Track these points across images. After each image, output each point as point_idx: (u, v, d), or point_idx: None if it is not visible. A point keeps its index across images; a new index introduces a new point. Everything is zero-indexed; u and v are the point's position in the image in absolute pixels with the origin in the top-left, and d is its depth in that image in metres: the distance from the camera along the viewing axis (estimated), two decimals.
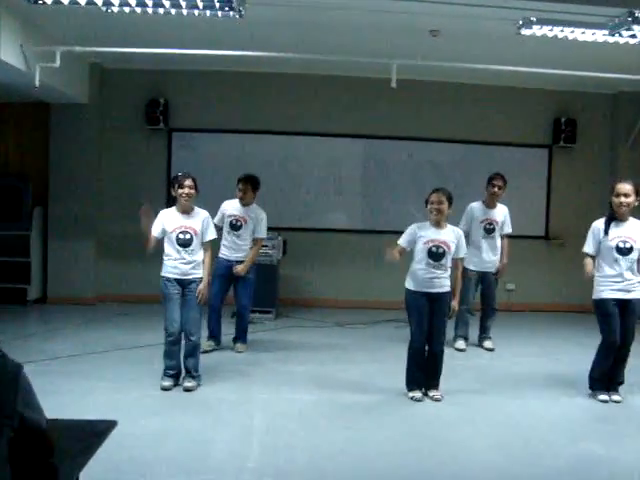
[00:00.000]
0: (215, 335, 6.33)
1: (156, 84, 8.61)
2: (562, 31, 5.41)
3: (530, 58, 6.78)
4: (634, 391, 5.30)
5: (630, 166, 9.01)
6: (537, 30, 5.38)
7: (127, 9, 4.97)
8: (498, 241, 6.67)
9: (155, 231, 5.02)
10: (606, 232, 4.94)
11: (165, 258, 5.04)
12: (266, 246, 7.79)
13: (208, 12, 5.02)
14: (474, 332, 6.83)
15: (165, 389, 4.94)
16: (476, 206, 6.69)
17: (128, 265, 8.22)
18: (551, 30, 5.40)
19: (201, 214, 5.16)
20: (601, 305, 4.97)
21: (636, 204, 4.94)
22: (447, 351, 5.80)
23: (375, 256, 8.45)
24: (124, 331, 6.86)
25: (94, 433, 2.43)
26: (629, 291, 4.93)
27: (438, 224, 4.95)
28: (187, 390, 4.97)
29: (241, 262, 6.21)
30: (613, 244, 4.92)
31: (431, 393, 5.00)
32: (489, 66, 6.81)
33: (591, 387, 5.11)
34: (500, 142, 8.99)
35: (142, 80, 8.60)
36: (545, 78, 7.86)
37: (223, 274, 6.20)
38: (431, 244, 4.88)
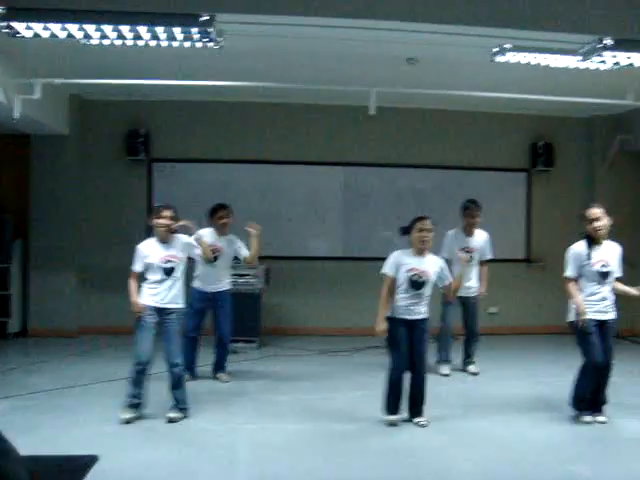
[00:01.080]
0: (191, 368, 6.22)
1: (136, 115, 8.63)
2: (535, 57, 5.52)
3: (506, 84, 6.89)
4: (618, 411, 5.33)
5: (608, 188, 9.16)
6: (511, 57, 5.48)
7: (106, 41, 5.00)
8: (476, 268, 6.69)
9: (135, 265, 5.03)
10: (589, 257, 5.00)
11: (146, 286, 5.02)
12: (248, 275, 7.79)
13: (187, 43, 5.05)
14: (458, 357, 6.82)
15: (127, 421, 4.84)
16: (455, 234, 6.71)
17: (109, 297, 8.14)
18: (525, 57, 5.50)
19: (182, 241, 5.15)
20: (581, 326, 5.00)
21: (609, 224, 5.04)
22: (431, 377, 5.80)
23: (357, 282, 8.51)
24: (106, 363, 6.78)
25: (75, 469, 2.40)
26: (607, 312, 5.04)
27: (422, 252, 4.97)
28: (171, 421, 4.91)
29: (219, 292, 6.19)
30: (596, 268, 4.99)
31: (416, 419, 4.99)
32: (466, 92, 6.91)
33: (577, 408, 5.12)
34: (479, 167, 9.10)
35: (122, 111, 8.62)
36: (521, 103, 7.99)
37: (199, 307, 6.16)
38: (413, 273, 4.90)
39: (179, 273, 5.06)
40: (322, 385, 6.23)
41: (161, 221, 5.01)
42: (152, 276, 5.01)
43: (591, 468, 4.13)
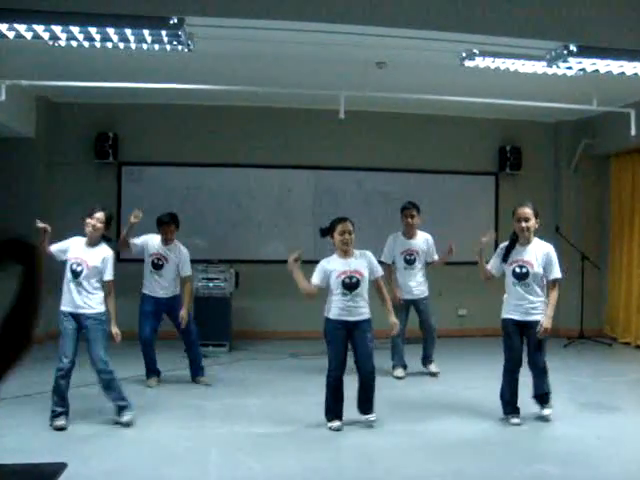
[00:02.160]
0: (154, 369, 6.24)
1: (105, 118, 8.55)
2: (504, 62, 5.60)
3: (474, 88, 6.97)
4: (585, 410, 5.42)
5: (573, 190, 9.34)
6: (480, 62, 5.55)
7: (74, 43, 4.94)
8: (420, 270, 6.68)
9: (54, 248, 5.05)
10: (505, 259, 5.07)
11: (63, 289, 4.99)
12: (218, 279, 7.77)
13: (157, 46, 5.02)
14: (412, 360, 6.82)
15: (60, 428, 4.77)
16: (394, 237, 6.74)
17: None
18: (493, 61, 5.57)
19: (104, 251, 5.05)
20: (503, 325, 5.11)
21: (536, 226, 5.05)
22: (387, 380, 5.85)
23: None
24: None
25: (43, 476, 2.37)
26: (529, 313, 5.01)
27: (346, 253, 4.99)
28: (127, 424, 4.86)
29: (169, 298, 6.19)
30: (510, 269, 5.05)
31: (365, 416, 5.00)
32: (435, 97, 6.96)
33: (504, 412, 5.16)
34: (448, 170, 9.19)
35: (91, 114, 8.53)
36: (490, 108, 8.11)
37: (151, 310, 6.14)
38: (343, 276, 4.92)
39: (85, 279, 4.94)
40: (292, 388, 6.23)
41: (91, 221, 4.95)
42: (66, 278, 4.99)
43: (558, 466, 4.19)
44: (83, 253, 4.98)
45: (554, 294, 5.04)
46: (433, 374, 6.71)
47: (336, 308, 4.95)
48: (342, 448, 4.57)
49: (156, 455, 4.35)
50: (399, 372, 6.69)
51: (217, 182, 8.84)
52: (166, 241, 6.20)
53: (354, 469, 4.21)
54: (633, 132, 6.89)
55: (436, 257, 6.75)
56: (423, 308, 6.72)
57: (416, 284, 6.65)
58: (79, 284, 4.94)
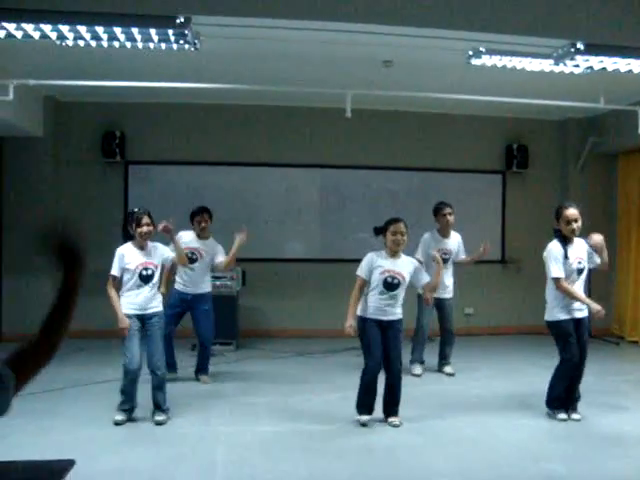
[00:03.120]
0: (171, 364, 6.24)
1: (112, 117, 8.57)
2: (510, 61, 5.58)
3: (481, 87, 6.96)
4: (592, 409, 5.41)
5: (580, 189, 9.31)
6: (486, 60, 5.54)
7: (82, 42, 4.96)
8: (451, 269, 6.75)
9: (116, 271, 5.00)
10: (566, 255, 5.05)
11: (125, 294, 4.99)
12: (225, 277, 7.78)
13: (163, 45, 5.03)
14: (432, 358, 6.86)
15: (118, 424, 4.86)
16: (431, 236, 6.74)
17: (85, 300, 7.96)
18: (500, 60, 5.56)
19: (159, 249, 5.16)
20: (561, 326, 5.06)
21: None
22: (404, 377, 5.85)
23: (334, 284, 8.53)
24: (81, 367, 6.72)
25: (51, 473, 2.38)
26: (582, 310, 5.09)
27: (395, 254, 5.01)
28: (159, 424, 4.92)
29: (198, 295, 6.20)
30: (574, 266, 5.04)
31: (390, 419, 5.02)
32: (441, 95, 6.95)
33: (552, 407, 5.19)
34: (455, 169, 9.18)
35: (98, 113, 8.56)
36: (496, 106, 8.09)
37: (176, 305, 6.16)
38: (387, 274, 4.94)
39: (156, 279, 5.06)
40: (299, 387, 6.23)
41: (144, 229, 4.98)
42: (131, 284, 4.99)
43: (566, 466, 4.19)
44: (144, 257, 5.04)
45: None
46: (449, 374, 6.72)
47: (371, 307, 4.97)
48: (348, 446, 4.57)
49: (163, 453, 4.37)
50: (417, 369, 6.70)
51: (224, 181, 8.85)
52: (201, 233, 6.22)
53: (360, 467, 4.21)
54: None
55: (463, 256, 6.81)
56: (448, 309, 6.76)
57: (447, 284, 6.68)
58: (152, 286, 5.04)
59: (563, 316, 5.07)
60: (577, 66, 5.40)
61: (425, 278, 5.11)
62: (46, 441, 4.51)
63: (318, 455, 4.39)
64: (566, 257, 5.04)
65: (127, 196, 8.62)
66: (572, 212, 5.07)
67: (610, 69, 5.50)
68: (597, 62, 5.30)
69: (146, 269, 5.01)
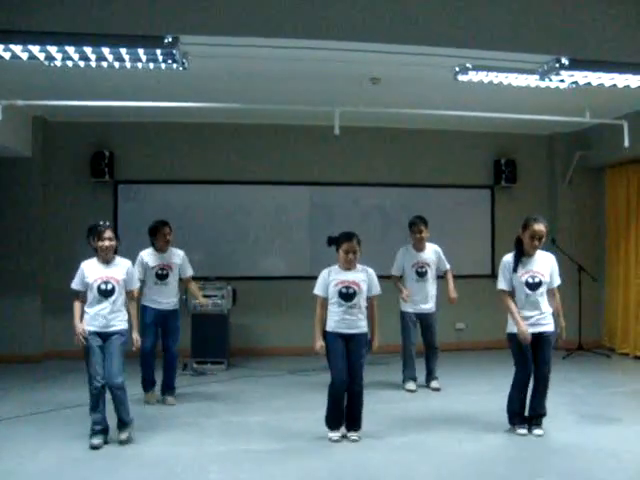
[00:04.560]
0: (151, 380, 6.21)
1: (101, 136, 8.58)
2: (496, 76, 5.64)
3: (469, 102, 7.01)
4: (584, 422, 5.41)
5: (569, 202, 9.38)
6: (473, 76, 5.60)
7: (70, 63, 4.97)
8: (431, 283, 6.74)
9: (76, 284, 4.96)
10: (515, 269, 5.06)
11: (87, 309, 4.93)
12: (216, 296, 7.76)
13: (151, 65, 5.05)
14: (418, 374, 6.84)
15: (95, 447, 4.75)
16: (405, 250, 6.79)
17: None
18: (486, 75, 5.62)
19: (123, 263, 5.09)
20: (514, 339, 5.05)
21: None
22: (398, 393, 5.85)
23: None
24: (70, 389, 6.65)
25: None
26: (541, 324, 5.03)
27: (349, 268, 5.06)
28: (123, 442, 4.84)
29: (171, 310, 6.20)
30: (523, 280, 5.03)
31: (349, 434, 5.03)
32: (429, 111, 7.00)
33: (510, 422, 5.18)
34: (443, 184, 9.22)
35: (86, 133, 8.56)
36: (484, 121, 8.16)
37: (152, 322, 6.11)
38: (341, 285, 5.00)
39: (116, 295, 4.94)
40: (291, 405, 6.20)
41: (105, 243, 4.93)
42: (92, 299, 4.92)
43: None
44: (106, 271, 4.97)
45: (558, 301, 5.16)
46: (435, 389, 6.71)
47: (333, 320, 5.02)
48: (342, 463, 4.55)
49: (155, 474, 4.32)
50: (411, 385, 6.69)
51: (213, 199, 8.85)
52: (163, 247, 6.20)
53: None
54: (627, 143, 6.93)
55: (448, 266, 6.80)
56: (432, 323, 6.76)
57: (428, 298, 6.70)
58: (113, 302, 4.92)
59: (515, 329, 5.04)
60: (562, 81, 5.47)
61: (375, 289, 5.10)
62: (35, 465, 4.45)
63: (313, 474, 4.36)
64: (515, 270, 5.05)
65: (117, 216, 8.59)
66: (539, 228, 5.03)
67: (595, 84, 5.57)
68: (582, 77, 5.36)
69: (105, 283, 4.91)
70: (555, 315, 5.13)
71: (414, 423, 5.51)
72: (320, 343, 5.00)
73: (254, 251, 8.92)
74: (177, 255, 6.32)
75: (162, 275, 6.17)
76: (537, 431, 5.09)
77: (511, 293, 5.11)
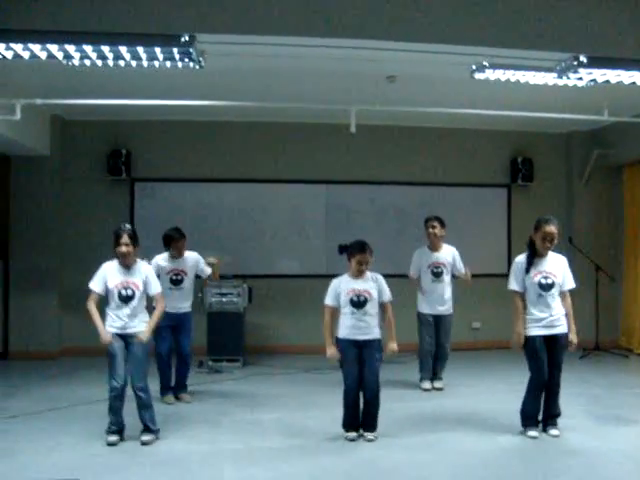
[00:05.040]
0: (169, 387, 6.25)
1: (118, 135, 8.63)
2: (514, 74, 5.60)
3: (486, 101, 6.97)
4: (602, 423, 5.37)
5: (586, 201, 9.31)
6: (490, 74, 5.55)
7: (88, 62, 5.00)
8: (447, 283, 6.71)
9: (95, 285, 4.97)
10: (527, 270, 5.03)
11: (108, 312, 4.96)
12: (232, 294, 7.78)
13: (168, 63, 5.07)
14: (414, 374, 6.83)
15: (111, 444, 4.80)
16: (421, 251, 6.76)
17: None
18: (503, 74, 5.57)
19: (143, 268, 5.08)
20: (529, 343, 5.01)
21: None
22: (414, 392, 5.82)
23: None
24: (88, 385, 6.71)
25: None
26: (554, 326, 4.99)
27: (359, 277, 5.09)
28: (144, 444, 4.86)
29: (185, 313, 6.26)
30: (535, 281, 5.00)
31: (366, 434, 5.04)
32: (446, 109, 6.97)
33: (523, 424, 5.14)
34: (460, 183, 9.18)
35: (104, 131, 8.62)
36: (501, 119, 8.10)
37: (168, 325, 6.10)
38: (352, 294, 5.04)
39: (137, 300, 4.96)
40: (306, 403, 6.21)
41: (122, 249, 4.92)
42: (112, 303, 4.95)
43: None
44: (126, 277, 4.98)
45: (569, 305, 5.08)
46: (438, 389, 6.68)
47: (345, 327, 5.05)
48: (356, 462, 4.55)
49: (170, 471, 4.34)
50: (426, 384, 6.69)
51: (229, 197, 8.88)
52: (178, 255, 6.23)
53: None
54: None
55: (463, 270, 6.75)
56: (447, 325, 6.72)
57: (444, 299, 6.67)
58: (133, 307, 4.94)
59: (532, 332, 5.00)
60: (580, 79, 5.42)
61: (386, 295, 5.11)
62: (52, 460, 4.49)
63: (327, 472, 4.36)
64: (527, 271, 5.02)
65: (133, 214, 8.65)
66: (551, 229, 4.99)
67: (613, 81, 5.51)
68: (600, 75, 5.30)
69: (126, 289, 4.93)
70: (568, 318, 5.07)
71: (429, 422, 5.50)
72: (332, 350, 5.04)
73: (270, 249, 8.94)
74: (191, 259, 6.33)
75: (176, 280, 6.20)
76: (553, 431, 5.06)
77: (522, 295, 5.08)
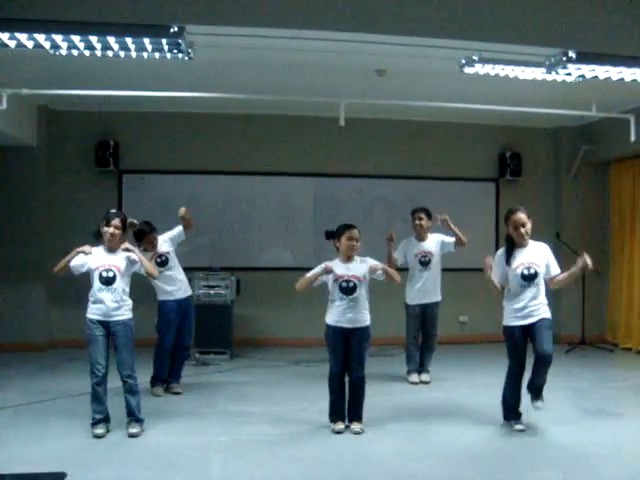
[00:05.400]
0: (163, 379, 6.23)
1: (105, 126, 8.57)
2: (503, 69, 5.61)
3: (475, 95, 6.99)
4: (587, 417, 5.41)
5: (573, 197, 9.36)
6: (479, 68, 5.56)
7: (75, 52, 4.96)
8: (436, 272, 6.73)
9: (76, 261, 4.93)
10: (507, 262, 5.04)
11: (89, 298, 4.94)
12: (219, 286, 7.78)
13: (157, 54, 5.04)
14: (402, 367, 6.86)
15: (98, 436, 4.78)
16: (408, 241, 6.78)
17: (79, 309, 7.99)
18: (492, 68, 5.58)
19: (126, 253, 5.03)
20: (508, 332, 5.06)
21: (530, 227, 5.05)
22: (401, 385, 5.83)
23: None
24: (74, 377, 6.67)
25: None
26: (533, 316, 4.98)
27: (349, 259, 5.08)
28: (132, 436, 4.84)
29: (188, 297, 6.28)
30: (518, 272, 5.00)
31: (352, 426, 5.04)
32: (435, 104, 6.98)
33: (506, 418, 5.17)
34: (448, 177, 9.20)
35: (91, 122, 8.55)
36: (489, 114, 8.13)
37: (174, 318, 6.12)
38: (340, 280, 5.02)
39: (120, 283, 4.93)
40: (294, 395, 6.22)
41: (110, 230, 4.93)
42: (94, 285, 4.92)
43: (561, 474, 4.18)
44: (109, 259, 4.95)
45: (563, 276, 5.07)
46: (424, 382, 6.70)
47: (334, 314, 5.05)
48: (343, 454, 4.56)
49: (157, 463, 4.34)
50: (414, 377, 6.71)
51: (218, 189, 8.86)
52: (152, 249, 6.13)
53: (355, 476, 4.20)
54: (633, 138, 6.91)
55: (454, 238, 6.68)
56: (433, 313, 6.74)
57: (432, 287, 6.70)
58: (113, 290, 4.90)
59: (510, 322, 5.05)
60: (569, 74, 5.43)
61: (378, 265, 5.09)
62: (38, 453, 4.47)
63: (313, 464, 4.37)
64: (507, 263, 5.03)
65: (121, 205, 8.59)
66: (519, 216, 5.02)
67: (602, 77, 5.53)
68: (589, 70, 5.32)
69: (107, 271, 4.89)
70: (569, 274, 5.04)
71: (415, 415, 5.53)
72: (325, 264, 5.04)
73: (258, 242, 8.93)
74: (165, 241, 6.24)
75: (162, 262, 6.14)
76: (537, 403, 5.04)
77: (502, 287, 5.12)
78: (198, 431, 5.05)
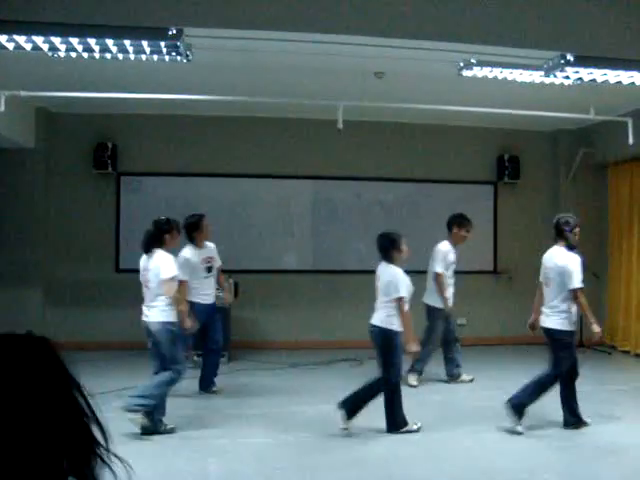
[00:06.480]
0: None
1: (104, 128, 8.57)
2: (501, 72, 5.61)
3: (472, 98, 7.00)
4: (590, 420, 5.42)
5: (571, 200, 9.36)
6: (477, 71, 5.56)
7: (74, 54, 4.96)
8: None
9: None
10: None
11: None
12: (217, 289, 7.76)
13: (155, 57, 5.03)
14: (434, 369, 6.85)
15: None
16: (449, 248, 6.77)
17: (76, 311, 8.03)
18: (491, 71, 5.59)
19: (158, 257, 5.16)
20: (567, 337, 5.11)
21: None
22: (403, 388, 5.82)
23: (327, 295, 8.54)
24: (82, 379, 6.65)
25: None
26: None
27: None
28: (140, 427, 4.94)
29: (214, 303, 6.42)
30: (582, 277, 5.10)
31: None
32: (433, 106, 6.99)
33: (573, 422, 5.17)
34: (446, 180, 9.20)
35: (89, 124, 8.55)
36: (488, 117, 8.14)
37: (206, 319, 6.21)
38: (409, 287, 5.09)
39: (151, 287, 5.07)
40: (292, 398, 6.21)
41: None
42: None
43: (561, 477, 4.18)
44: (146, 264, 5.15)
45: None
46: (412, 386, 6.59)
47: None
48: (342, 457, 4.56)
49: (155, 466, 4.33)
50: (412, 380, 6.63)
51: (216, 192, 8.85)
52: (202, 243, 6.25)
53: (356, 478, 4.20)
54: (631, 141, 6.91)
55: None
56: (454, 317, 6.90)
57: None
58: (149, 295, 5.11)
59: (572, 327, 5.18)
60: (567, 77, 5.44)
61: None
62: None
63: (312, 467, 4.37)
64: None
65: (119, 208, 8.60)
66: (575, 219, 5.33)
67: (600, 80, 5.54)
68: (587, 74, 5.33)
69: (143, 275, 5.16)
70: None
71: (416, 418, 5.51)
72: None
73: (256, 244, 8.92)
74: (212, 248, 6.43)
75: (209, 268, 6.31)
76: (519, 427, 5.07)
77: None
78: (196, 434, 5.04)
